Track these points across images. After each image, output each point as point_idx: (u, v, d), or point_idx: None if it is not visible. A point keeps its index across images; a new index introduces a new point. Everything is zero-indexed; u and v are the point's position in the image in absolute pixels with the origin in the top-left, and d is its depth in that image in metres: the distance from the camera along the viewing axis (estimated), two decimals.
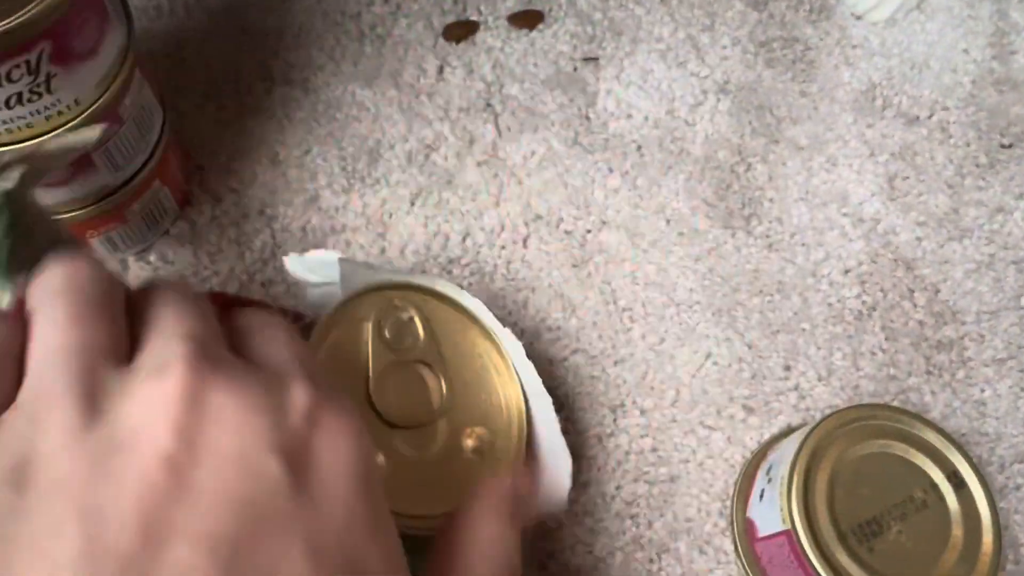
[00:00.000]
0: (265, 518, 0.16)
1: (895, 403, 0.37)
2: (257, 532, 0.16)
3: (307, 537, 0.16)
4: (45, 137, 0.27)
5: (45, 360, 0.18)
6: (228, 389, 0.17)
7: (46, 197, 0.30)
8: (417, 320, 0.30)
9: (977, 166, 0.43)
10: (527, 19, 0.43)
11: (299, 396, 0.18)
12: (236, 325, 0.21)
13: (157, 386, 0.17)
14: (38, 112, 0.27)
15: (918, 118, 0.44)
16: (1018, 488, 0.36)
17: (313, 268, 0.31)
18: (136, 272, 0.36)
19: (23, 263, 0.21)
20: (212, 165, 0.38)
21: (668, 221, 0.40)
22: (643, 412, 0.36)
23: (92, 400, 0.17)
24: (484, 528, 0.24)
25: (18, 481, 0.16)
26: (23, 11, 0.24)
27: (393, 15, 0.43)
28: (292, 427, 0.17)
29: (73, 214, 0.32)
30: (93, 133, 0.25)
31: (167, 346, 0.18)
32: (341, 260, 0.29)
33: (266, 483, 0.16)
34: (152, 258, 0.36)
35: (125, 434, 0.16)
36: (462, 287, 0.37)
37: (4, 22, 0.24)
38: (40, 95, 0.26)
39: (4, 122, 0.26)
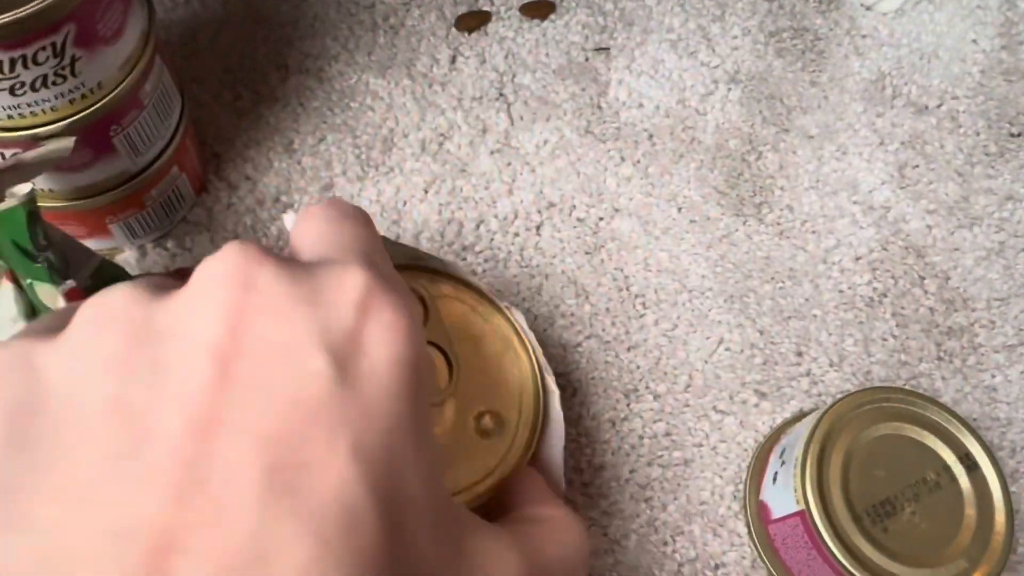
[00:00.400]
0: (311, 415, 0.15)
1: (906, 389, 0.37)
2: (303, 430, 0.15)
3: (352, 437, 0.15)
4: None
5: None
6: (277, 276, 0.17)
7: (68, 182, 0.31)
8: (426, 300, 0.30)
9: (987, 155, 0.43)
10: (539, 9, 0.44)
11: (352, 284, 0.17)
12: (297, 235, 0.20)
13: (209, 267, 0.17)
14: (62, 95, 0.27)
15: (927, 107, 0.44)
16: None
17: None
18: (154, 259, 0.36)
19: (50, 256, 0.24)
20: (228, 153, 0.39)
21: (680, 209, 0.40)
22: (656, 397, 0.36)
23: (154, 295, 0.17)
24: (557, 512, 0.24)
25: (71, 367, 0.16)
26: None
27: (406, 5, 0.44)
28: (341, 318, 0.17)
29: (93, 199, 0.32)
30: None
31: (221, 250, 0.18)
32: None
33: (312, 379, 0.16)
34: (170, 244, 0.36)
35: (175, 322, 0.16)
36: (475, 274, 0.37)
37: (31, 4, 0.24)
38: (65, 78, 0.27)
39: (29, 105, 0.27)
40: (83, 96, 0.28)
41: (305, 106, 0.40)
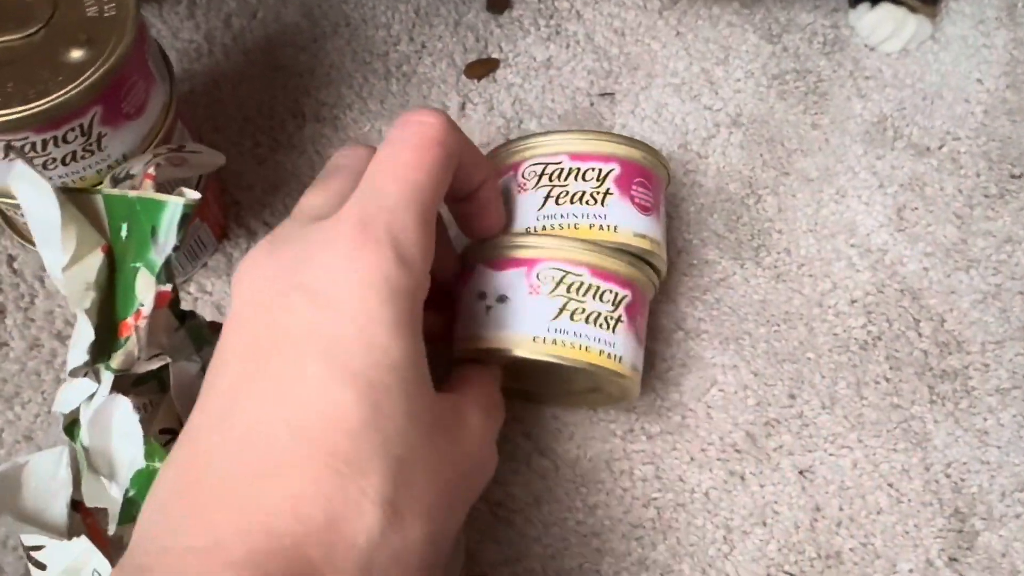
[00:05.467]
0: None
1: (897, 431, 0.38)
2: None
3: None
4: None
5: None
6: None
7: None
8: None
9: (986, 196, 0.44)
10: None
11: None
12: None
13: None
14: (90, 167, 0.30)
15: (928, 149, 0.45)
16: (1018, 516, 0.37)
17: None
18: None
19: None
20: (247, 200, 0.41)
21: (679, 252, 0.41)
22: (649, 437, 0.37)
23: None
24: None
25: None
26: (78, 82, 0.27)
27: (418, 53, 0.45)
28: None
29: None
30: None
31: None
32: None
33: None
34: (192, 289, 0.39)
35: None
36: None
37: (61, 92, 0.27)
38: (92, 152, 0.29)
39: (61, 177, 0.29)
40: (109, 167, 0.30)
41: (321, 153, 0.42)
